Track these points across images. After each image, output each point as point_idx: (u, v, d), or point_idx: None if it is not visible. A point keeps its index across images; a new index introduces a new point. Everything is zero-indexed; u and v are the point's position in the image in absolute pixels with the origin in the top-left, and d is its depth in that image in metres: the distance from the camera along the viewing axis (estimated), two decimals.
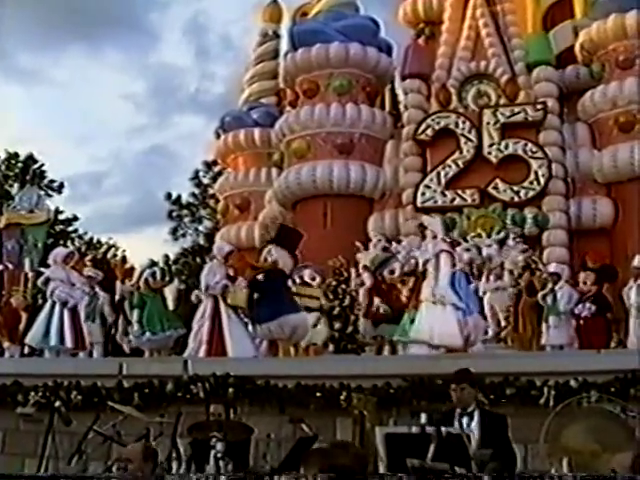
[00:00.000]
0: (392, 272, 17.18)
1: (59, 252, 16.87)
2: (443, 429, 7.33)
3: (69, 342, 15.65)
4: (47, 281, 16.19)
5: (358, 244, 19.66)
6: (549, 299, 16.37)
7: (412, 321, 14.35)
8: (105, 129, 72.20)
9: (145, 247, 51.73)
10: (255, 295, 15.09)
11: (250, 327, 15.70)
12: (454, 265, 14.76)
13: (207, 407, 10.45)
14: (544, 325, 16.30)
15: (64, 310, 15.78)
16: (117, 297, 17.85)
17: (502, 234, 20.28)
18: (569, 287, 16.49)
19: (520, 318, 16.68)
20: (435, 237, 14.92)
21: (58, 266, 16.21)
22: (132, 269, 19.35)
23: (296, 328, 15.07)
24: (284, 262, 15.36)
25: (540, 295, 16.62)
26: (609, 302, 16.40)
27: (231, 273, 15.48)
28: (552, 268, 17.45)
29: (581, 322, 15.94)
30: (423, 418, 7.49)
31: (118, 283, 17.94)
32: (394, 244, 18.78)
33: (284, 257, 15.34)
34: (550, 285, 16.57)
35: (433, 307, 14.19)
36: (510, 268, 17.64)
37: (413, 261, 15.97)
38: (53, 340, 15.67)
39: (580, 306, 15.91)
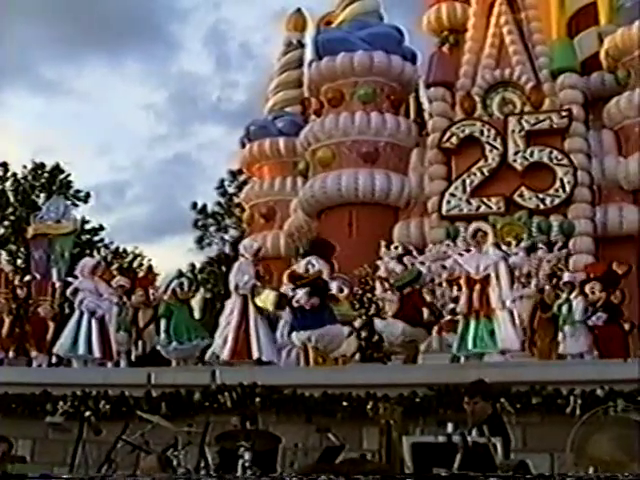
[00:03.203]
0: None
1: (86, 263, 16.95)
2: (469, 438, 7.36)
3: (97, 352, 15.73)
4: (76, 291, 16.30)
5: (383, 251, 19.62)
6: (564, 308, 16.30)
7: (492, 332, 14.23)
8: (127, 139, 72.78)
9: (168, 256, 51.95)
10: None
11: (280, 331, 15.88)
12: (511, 272, 14.77)
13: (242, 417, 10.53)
14: (560, 335, 16.22)
15: (92, 320, 15.87)
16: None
17: (529, 242, 20.22)
18: (582, 298, 16.36)
19: (538, 331, 16.60)
20: (496, 245, 14.86)
21: (86, 277, 16.31)
22: (145, 278, 19.48)
23: (334, 338, 15.15)
24: (324, 273, 15.46)
25: (556, 305, 16.57)
26: (620, 309, 16.32)
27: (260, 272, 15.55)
28: (566, 277, 17.32)
29: (596, 332, 15.82)
30: (449, 427, 7.52)
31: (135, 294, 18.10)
32: (409, 259, 18.66)
33: (324, 268, 15.42)
34: (565, 295, 16.51)
35: (503, 314, 14.20)
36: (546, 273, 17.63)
37: (457, 269, 15.99)
38: (81, 349, 15.73)
39: (594, 317, 15.81)
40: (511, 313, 14.40)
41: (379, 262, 19.22)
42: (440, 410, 11.83)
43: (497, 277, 14.37)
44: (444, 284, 17.81)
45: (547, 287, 17.14)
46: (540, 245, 19.40)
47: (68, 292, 16.75)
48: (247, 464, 8.90)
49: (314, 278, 15.17)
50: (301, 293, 14.85)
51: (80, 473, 10.77)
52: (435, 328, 16.79)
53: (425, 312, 15.96)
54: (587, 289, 16.19)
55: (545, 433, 11.22)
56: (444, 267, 16.30)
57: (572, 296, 16.31)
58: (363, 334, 17.41)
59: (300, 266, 15.60)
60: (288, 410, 12.63)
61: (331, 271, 15.87)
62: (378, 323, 16.19)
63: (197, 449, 10.35)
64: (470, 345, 14.29)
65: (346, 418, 12.20)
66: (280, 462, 10.05)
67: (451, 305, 16.67)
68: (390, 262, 18.76)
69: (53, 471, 12.36)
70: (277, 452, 10.04)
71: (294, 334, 15.01)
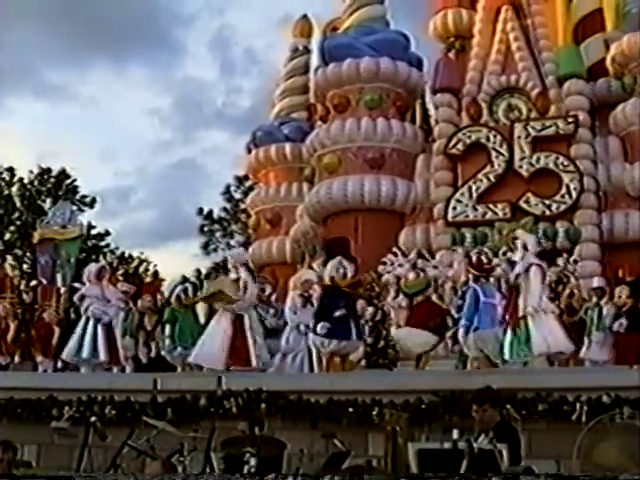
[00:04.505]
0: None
1: (91, 269, 16.93)
2: (475, 445, 7.34)
3: (102, 355, 15.70)
4: (82, 298, 16.32)
5: (390, 257, 19.52)
6: (594, 314, 16.17)
7: (527, 339, 14.14)
8: (131, 144, 72.84)
9: (174, 261, 51.94)
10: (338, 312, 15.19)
11: (286, 337, 16.18)
12: (544, 278, 14.70)
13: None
14: (586, 339, 16.11)
15: (98, 325, 15.87)
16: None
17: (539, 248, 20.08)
18: (613, 303, 16.25)
19: None
20: (525, 248, 14.78)
21: (93, 283, 16.31)
22: (151, 284, 19.48)
23: None
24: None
25: (583, 309, 16.46)
26: None
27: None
28: (596, 283, 17.16)
29: (617, 338, 15.72)
30: (455, 434, 7.50)
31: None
32: (422, 261, 18.53)
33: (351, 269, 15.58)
34: (595, 299, 16.40)
35: (537, 318, 14.10)
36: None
37: (463, 278, 16.00)
38: (85, 352, 15.73)
39: (616, 324, 15.72)
40: (554, 314, 14.30)
41: (387, 267, 19.14)
42: (446, 416, 11.80)
43: (527, 283, 14.30)
44: (448, 291, 17.72)
45: (576, 291, 17.05)
46: None
47: (75, 298, 16.78)
48: (252, 470, 8.89)
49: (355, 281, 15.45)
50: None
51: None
52: (448, 334, 16.72)
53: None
54: (616, 292, 16.15)
55: (551, 440, 11.19)
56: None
57: (603, 302, 16.22)
58: (369, 340, 17.36)
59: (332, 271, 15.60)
60: (294, 416, 12.61)
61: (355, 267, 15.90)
62: (398, 332, 16.13)
63: (203, 455, 10.35)
64: (507, 355, 14.23)
65: (352, 424, 12.18)
66: (285, 468, 10.03)
67: (455, 316, 16.58)
68: (397, 268, 18.63)
69: None
70: (282, 458, 10.03)
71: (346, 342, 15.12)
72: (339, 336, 15.10)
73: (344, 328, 15.15)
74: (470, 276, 15.56)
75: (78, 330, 16.00)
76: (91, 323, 15.87)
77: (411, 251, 20.13)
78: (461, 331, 15.05)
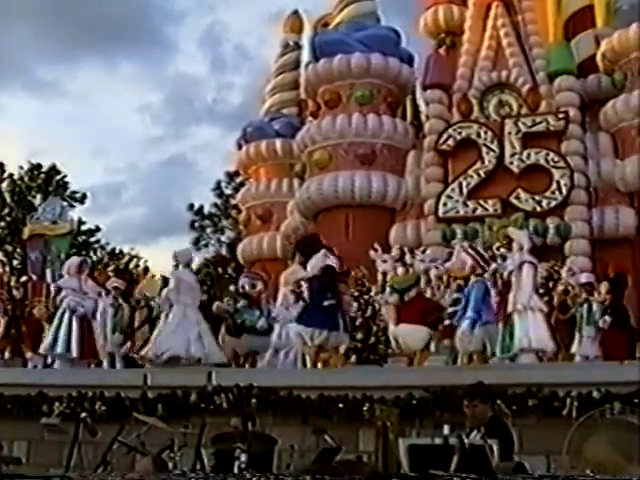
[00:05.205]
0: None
1: (72, 262, 16.85)
2: (466, 440, 7.34)
3: (75, 351, 15.59)
4: (60, 290, 16.27)
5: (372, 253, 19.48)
6: (584, 310, 16.20)
7: (511, 335, 14.18)
8: (122, 140, 72.64)
9: (164, 257, 51.87)
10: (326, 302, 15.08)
11: (278, 332, 16.24)
12: (536, 276, 14.71)
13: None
14: (577, 335, 16.14)
15: (73, 318, 15.76)
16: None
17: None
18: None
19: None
20: (521, 249, 14.79)
21: (71, 276, 16.22)
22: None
23: None
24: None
25: (576, 306, 16.48)
26: (627, 312, 16.27)
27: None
28: (584, 278, 17.18)
29: (604, 335, 15.77)
30: (446, 429, 7.50)
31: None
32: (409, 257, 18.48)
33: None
34: (585, 295, 16.44)
35: (524, 314, 14.13)
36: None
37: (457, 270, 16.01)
38: (59, 347, 15.63)
39: (600, 321, 15.77)
40: (542, 312, 14.34)
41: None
42: (437, 412, 11.85)
43: (518, 279, 14.34)
44: (441, 286, 17.71)
45: (571, 288, 17.07)
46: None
47: (52, 288, 16.75)
48: (243, 466, 8.89)
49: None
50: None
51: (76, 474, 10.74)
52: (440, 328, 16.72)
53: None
54: (599, 289, 16.20)
55: (541, 435, 11.21)
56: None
57: (592, 297, 16.24)
58: (359, 336, 17.36)
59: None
60: (284, 412, 12.64)
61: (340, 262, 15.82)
62: (397, 329, 16.08)
63: (193, 451, 10.34)
64: (498, 351, 14.28)
65: (342, 420, 12.21)
66: (276, 464, 10.03)
67: (450, 309, 16.57)
68: (381, 264, 18.52)
69: (49, 472, 12.37)
70: (273, 454, 10.03)
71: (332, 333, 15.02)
72: (328, 326, 14.96)
73: (332, 319, 15.03)
74: (478, 270, 15.52)
75: (54, 323, 15.90)
76: (66, 316, 15.77)
77: (401, 247, 20.13)
78: (466, 323, 14.98)
